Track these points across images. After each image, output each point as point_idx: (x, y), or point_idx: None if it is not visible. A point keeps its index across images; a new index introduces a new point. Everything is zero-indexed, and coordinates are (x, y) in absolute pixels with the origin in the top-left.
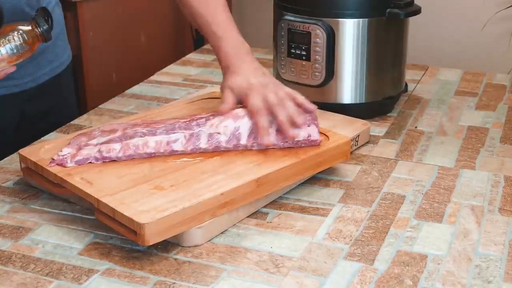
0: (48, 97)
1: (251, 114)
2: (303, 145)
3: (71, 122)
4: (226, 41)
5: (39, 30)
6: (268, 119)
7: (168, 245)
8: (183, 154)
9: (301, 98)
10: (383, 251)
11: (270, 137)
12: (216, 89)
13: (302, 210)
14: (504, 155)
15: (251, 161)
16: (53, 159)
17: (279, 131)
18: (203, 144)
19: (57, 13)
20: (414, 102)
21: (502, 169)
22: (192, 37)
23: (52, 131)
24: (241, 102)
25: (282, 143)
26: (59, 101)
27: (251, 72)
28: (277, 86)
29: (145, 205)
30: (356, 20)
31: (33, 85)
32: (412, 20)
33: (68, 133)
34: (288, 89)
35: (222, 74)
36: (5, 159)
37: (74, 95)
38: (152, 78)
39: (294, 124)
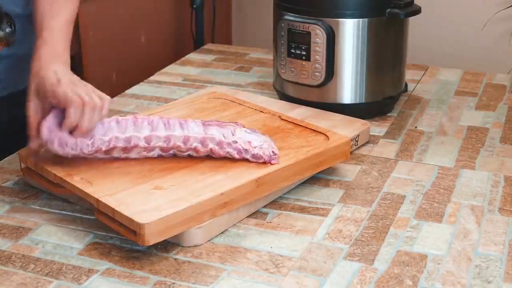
0: None
1: (65, 105)
2: (253, 159)
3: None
4: (48, 46)
5: (1, 33)
6: (79, 114)
7: (168, 245)
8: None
9: (105, 112)
10: (383, 251)
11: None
12: (216, 89)
13: (302, 210)
14: (504, 155)
15: (251, 161)
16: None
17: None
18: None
19: None
20: (414, 102)
21: (502, 169)
22: (192, 37)
23: None
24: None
25: (237, 155)
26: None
27: (60, 71)
28: (88, 87)
29: (145, 205)
30: (356, 20)
31: (22, 88)
32: (412, 20)
33: None
34: (100, 93)
35: (30, 80)
36: (5, 159)
37: None
38: (152, 78)
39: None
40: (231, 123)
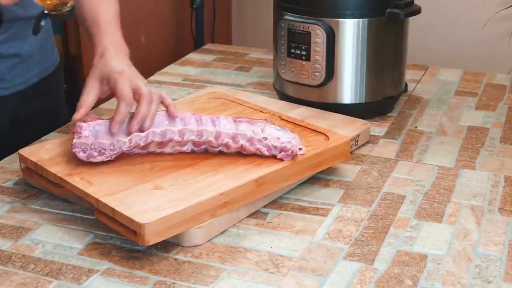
0: (39, 99)
1: (118, 99)
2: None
3: (71, 122)
4: (109, 36)
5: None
6: (129, 111)
7: (168, 245)
8: (183, 153)
9: (169, 100)
10: (383, 251)
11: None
12: (216, 89)
13: (302, 210)
14: (504, 155)
15: (251, 161)
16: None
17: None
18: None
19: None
20: (414, 102)
21: (502, 169)
22: (192, 37)
23: (43, 133)
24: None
25: (267, 151)
26: (49, 103)
27: (126, 64)
28: (146, 85)
29: (145, 205)
30: (356, 20)
31: (23, 87)
32: (412, 20)
33: (67, 133)
34: (157, 91)
35: (94, 63)
36: (5, 159)
37: (64, 97)
38: (152, 78)
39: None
40: (261, 120)
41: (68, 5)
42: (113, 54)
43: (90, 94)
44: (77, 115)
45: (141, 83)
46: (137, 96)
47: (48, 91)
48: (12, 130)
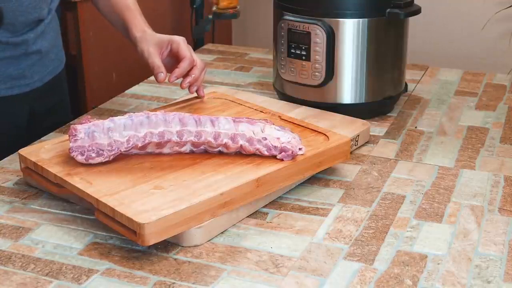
0: (52, 96)
1: (182, 58)
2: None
3: (71, 123)
4: (141, 17)
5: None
6: (187, 69)
7: (168, 245)
8: (184, 154)
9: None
10: (383, 251)
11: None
12: (216, 89)
13: (302, 210)
14: (504, 155)
15: (251, 161)
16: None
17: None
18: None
19: (55, 22)
20: (414, 102)
21: (502, 169)
22: (192, 37)
23: (55, 129)
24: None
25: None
26: (60, 100)
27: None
28: None
29: (145, 205)
30: (356, 20)
31: (40, 84)
32: (412, 20)
33: (67, 133)
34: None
35: (139, 36)
36: (5, 159)
37: (68, 96)
38: (152, 78)
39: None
40: (261, 120)
41: (237, 7)
42: (151, 31)
43: (156, 56)
44: (162, 76)
45: (195, 56)
46: (194, 61)
47: (59, 88)
48: (29, 127)
